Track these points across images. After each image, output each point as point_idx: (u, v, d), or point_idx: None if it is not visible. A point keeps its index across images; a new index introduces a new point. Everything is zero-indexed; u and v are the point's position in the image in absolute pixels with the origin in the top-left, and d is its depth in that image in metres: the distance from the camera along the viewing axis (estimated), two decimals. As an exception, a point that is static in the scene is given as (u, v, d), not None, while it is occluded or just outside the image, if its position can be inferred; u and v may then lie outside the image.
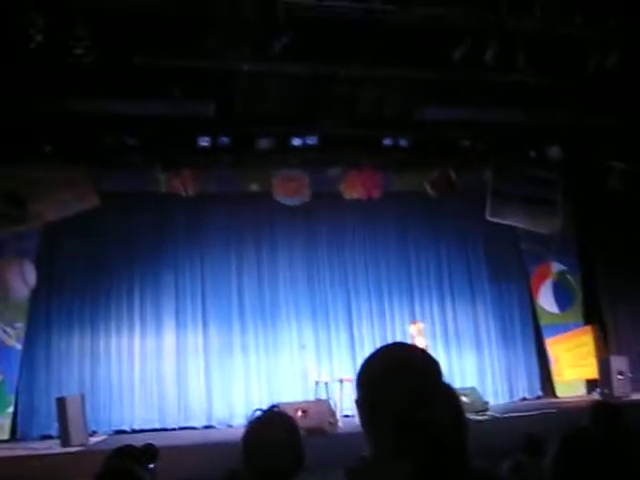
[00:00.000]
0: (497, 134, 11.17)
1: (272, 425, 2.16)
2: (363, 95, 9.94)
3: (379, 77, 9.51)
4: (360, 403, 1.38)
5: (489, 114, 10.37)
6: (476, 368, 12.43)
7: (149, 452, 3.82)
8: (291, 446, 2.13)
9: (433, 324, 12.46)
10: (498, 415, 9.89)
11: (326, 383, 10.53)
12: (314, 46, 8.40)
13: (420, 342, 10.23)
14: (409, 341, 10.13)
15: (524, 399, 12.36)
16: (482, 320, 12.67)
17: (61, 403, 9.64)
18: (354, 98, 9.91)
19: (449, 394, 1.33)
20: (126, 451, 3.76)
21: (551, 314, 12.69)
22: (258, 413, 2.19)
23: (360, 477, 1.30)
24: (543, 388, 12.59)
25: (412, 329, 10.62)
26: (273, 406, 2.24)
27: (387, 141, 11.00)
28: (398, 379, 1.32)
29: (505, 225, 12.42)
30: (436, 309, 12.59)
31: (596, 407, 3.59)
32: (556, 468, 1.79)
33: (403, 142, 11.06)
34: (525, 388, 12.51)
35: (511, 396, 12.34)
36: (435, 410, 1.27)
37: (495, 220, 12.27)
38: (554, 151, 11.40)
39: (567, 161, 11.81)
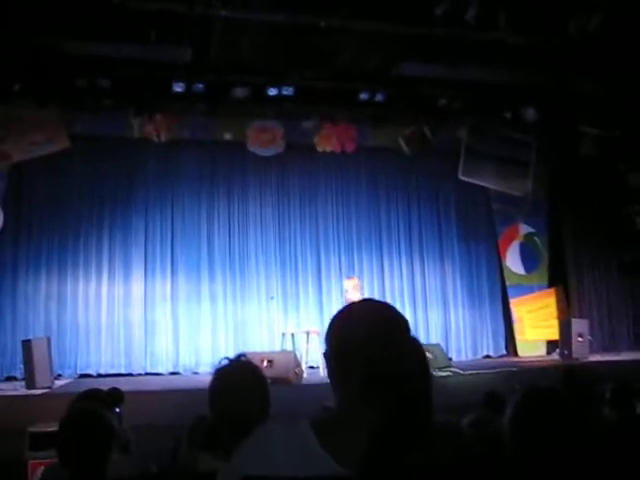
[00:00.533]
0: (474, 93, 11.14)
1: (239, 373, 2.19)
2: (342, 48, 9.82)
3: (359, 30, 9.37)
4: (328, 355, 1.40)
5: (467, 72, 10.30)
6: (442, 325, 12.63)
7: (115, 396, 3.85)
8: (257, 394, 2.16)
9: (401, 280, 12.61)
10: (461, 372, 10.08)
11: (292, 335, 10.64)
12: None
13: (355, 297, 10.31)
14: (343, 296, 10.32)
15: (487, 357, 12.62)
16: (450, 278, 12.83)
17: (27, 345, 9.61)
18: (333, 50, 9.78)
19: (416, 348, 1.35)
20: (92, 394, 3.78)
21: (517, 275, 12.87)
22: (225, 362, 2.22)
23: (325, 427, 1.33)
24: (507, 347, 12.85)
25: (347, 284, 10.45)
26: (240, 355, 2.26)
27: (363, 95, 10.94)
28: (366, 332, 1.34)
29: (477, 185, 12.51)
30: (405, 265, 12.71)
31: (557, 368, 3.71)
32: (514, 423, 1.84)
33: (380, 97, 11.01)
34: (490, 346, 12.75)
35: (475, 354, 12.59)
36: (402, 363, 1.29)
37: (467, 180, 12.35)
38: (530, 113, 11.43)
39: (542, 124, 11.86)
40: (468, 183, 12.42)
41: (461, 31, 9.05)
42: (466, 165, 12.27)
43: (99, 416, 2.71)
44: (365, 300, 1.51)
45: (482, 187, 12.59)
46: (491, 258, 13.03)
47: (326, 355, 1.40)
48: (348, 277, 10.77)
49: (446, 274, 12.83)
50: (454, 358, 11.65)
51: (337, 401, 1.36)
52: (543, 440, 1.74)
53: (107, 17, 8.47)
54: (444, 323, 12.63)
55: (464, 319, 12.73)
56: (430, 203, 12.89)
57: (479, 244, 13.02)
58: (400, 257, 12.68)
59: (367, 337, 1.33)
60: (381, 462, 1.20)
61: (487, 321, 12.84)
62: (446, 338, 12.38)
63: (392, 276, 12.59)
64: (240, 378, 2.16)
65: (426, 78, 10.55)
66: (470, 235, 12.95)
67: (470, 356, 12.52)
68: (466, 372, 10.10)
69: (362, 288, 10.54)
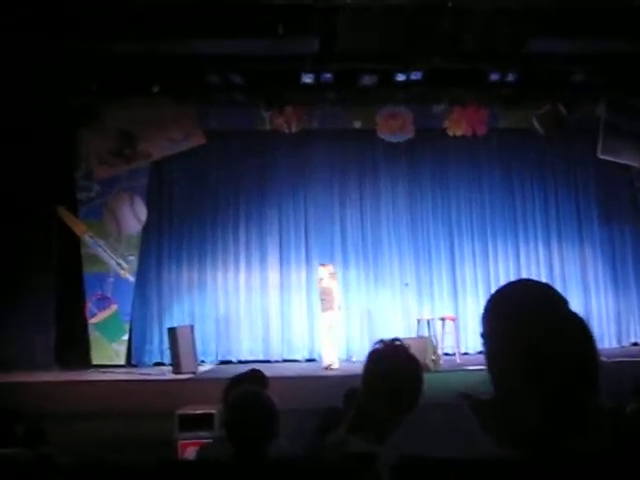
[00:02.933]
0: (612, 66, 10.55)
1: (394, 356, 2.19)
2: (470, 28, 9.58)
3: (487, 9, 9.11)
4: (487, 337, 1.37)
5: (603, 45, 9.77)
6: (582, 312, 12.01)
7: (262, 380, 3.96)
8: (411, 378, 2.16)
9: (538, 266, 12.16)
10: (605, 359, 9.63)
11: (428, 321, 10.55)
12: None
13: (332, 285, 10.08)
14: (318, 284, 10.16)
15: (635, 344, 11.96)
16: (590, 264, 12.21)
17: (173, 333, 10.12)
18: (461, 31, 9.57)
19: (579, 326, 1.31)
20: (251, 377, 3.90)
21: (667, 257, 12.11)
22: (380, 345, 2.23)
23: (486, 409, 1.30)
24: (657, 333, 12.11)
25: (322, 272, 10.22)
26: (394, 339, 2.27)
27: (494, 76, 10.62)
28: (529, 313, 1.31)
29: (618, 163, 11.88)
30: (541, 251, 12.22)
31: None
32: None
33: (511, 77, 10.65)
34: (638, 333, 12.05)
35: (619, 341, 11.96)
36: (565, 341, 1.26)
37: (607, 158, 11.77)
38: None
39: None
40: (608, 162, 11.83)
41: (596, 0, 8.62)
42: (605, 143, 11.69)
43: (266, 399, 2.80)
44: (523, 280, 1.48)
45: (623, 165, 11.94)
46: (636, 241, 12.30)
47: (484, 335, 1.37)
48: (322, 264, 10.55)
49: (586, 259, 12.23)
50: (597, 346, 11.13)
51: (496, 383, 1.33)
52: None
53: (236, 14, 8.72)
54: (585, 309, 12.06)
55: (607, 305, 12.11)
56: (567, 185, 12.31)
57: (622, 226, 12.30)
58: (537, 242, 12.21)
59: (530, 318, 1.29)
60: (548, 444, 1.16)
61: (634, 307, 12.12)
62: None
63: (528, 262, 12.17)
64: (395, 361, 2.16)
65: (559, 54, 10.10)
66: (612, 217, 12.26)
67: (615, 344, 11.91)
68: (611, 359, 9.63)
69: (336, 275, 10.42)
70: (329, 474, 2.13)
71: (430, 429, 1.31)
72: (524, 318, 1.30)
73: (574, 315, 1.33)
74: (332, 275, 10.20)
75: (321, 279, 10.20)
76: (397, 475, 1.27)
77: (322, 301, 10.08)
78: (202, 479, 2.37)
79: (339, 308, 10.25)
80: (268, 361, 11.32)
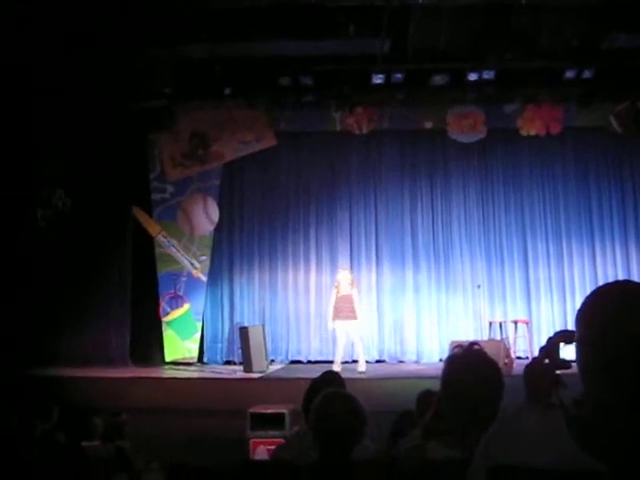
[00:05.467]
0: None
1: (473, 362, 2.16)
2: (543, 24, 9.36)
3: (561, 4, 8.89)
4: (586, 345, 1.29)
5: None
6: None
7: (341, 382, 3.96)
8: (490, 384, 2.12)
9: (615, 268, 11.78)
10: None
11: (500, 324, 10.38)
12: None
13: (351, 292, 9.88)
14: (342, 289, 9.87)
15: None
16: (670, 265, 11.79)
17: (244, 332, 10.26)
18: (533, 28, 9.37)
19: None
20: (332, 378, 3.91)
21: None
22: (458, 350, 2.20)
23: (581, 420, 1.25)
24: None
25: (345, 276, 10.04)
26: (473, 343, 2.23)
27: (569, 73, 10.32)
28: (637, 321, 1.22)
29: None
30: (618, 253, 11.83)
31: None
32: None
33: (587, 73, 10.33)
34: None
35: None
36: None
37: (690, 157, 11.33)
38: None
39: None
40: (691, 161, 11.40)
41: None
42: (688, 142, 11.26)
43: (354, 401, 2.80)
44: (623, 282, 1.37)
45: None
46: None
47: (580, 340, 1.31)
48: (344, 268, 10.52)
49: (666, 260, 11.81)
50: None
51: (592, 392, 1.27)
52: None
53: (307, 16, 8.77)
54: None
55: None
56: (647, 185, 11.91)
57: None
58: (613, 244, 11.81)
59: (621, 324, 1.22)
60: None
61: None
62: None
63: (605, 264, 11.79)
64: (476, 368, 2.13)
65: (638, 49, 9.78)
66: (693, 218, 11.81)
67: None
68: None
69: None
70: (416, 479, 2.11)
71: (522, 438, 1.27)
72: (616, 327, 1.23)
73: None
74: (352, 282, 10.15)
75: (339, 284, 10.09)
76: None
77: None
78: (282, 478, 2.39)
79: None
80: (338, 361, 11.34)
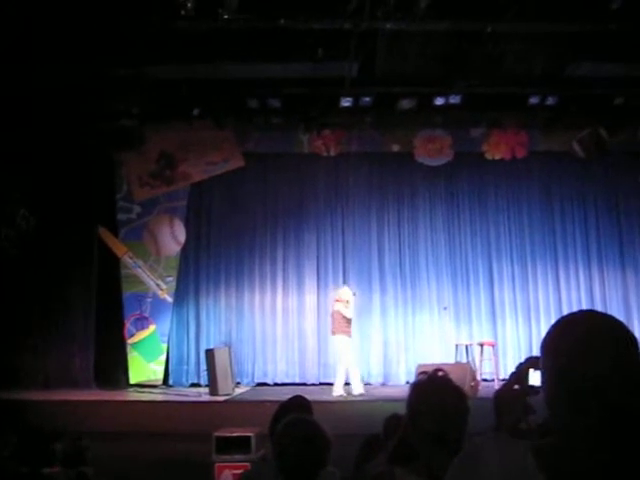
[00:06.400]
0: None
1: (438, 389, 2.17)
2: (509, 52, 9.54)
3: (526, 33, 9.06)
4: (551, 374, 1.29)
5: (646, 70, 9.66)
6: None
7: (308, 407, 3.93)
8: (456, 411, 2.13)
9: (578, 291, 11.97)
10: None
11: (466, 346, 10.44)
12: (458, 2, 8.17)
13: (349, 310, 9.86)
14: (344, 307, 9.83)
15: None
16: (633, 289, 11.96)
17: (210, 354, 10.17)
18: (499, 55, 9.53)
19: None
20: (298, 404, 3.86)
21: None
22: (423, 377, 2.20)
23: (546, 451, 1.23)
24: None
25: (348, 293, 10.03)
26: (437, 370, 2.24)
27: (533, 99, 10.53)
28: (602, 354, 1.22)
29: (661, 188, 11.71)
30: (582, 275, 12.03)
31: None
32: None
33: (551, 100, 10.55)
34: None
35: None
36: (627, 396, 1.17)
37: (650, 183, 11.59)
38: None
39: None
40: (651, 186, 11.66)
41: (637, 24, 8.50)
42: (648, 167, 11.52)
43: (319, 428, 2.76)
44: (590, 311, 1.36)
45: (667, 190, 11.76)
46: (680, 267, 12.05)
47: (543, 370, 1.30)
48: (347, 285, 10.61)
49: (628, 284, 11.99)
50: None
51: (556, 420, 1.27)
52: None
53: (276, 39, 8.81)
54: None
55: (649, 332, 11.83)
56: (609, 209, 12.13)
57: (666, 251, 12.08)
58: (577, 267, 12.02)
59: (604, 361, 1.20)
60: None
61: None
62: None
63: (568, 287, 11.97)
64: (441, 395, 2.13)
65: (601, 77, 10.00)
66: (656, 242, 12.05)
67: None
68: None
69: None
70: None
71: (489, 468, 1.26)
72: (596, 360, 1.21)
73: (636, 360, 1.23)
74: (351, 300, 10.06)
75: (346, 301, 10.00)
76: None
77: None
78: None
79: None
80: (304, 384, 11.30)
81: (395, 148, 11.69)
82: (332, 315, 9.99)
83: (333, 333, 9.91)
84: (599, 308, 11.85)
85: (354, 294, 10.20)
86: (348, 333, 9.83)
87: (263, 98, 10.40)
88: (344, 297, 9.96)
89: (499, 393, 1.48)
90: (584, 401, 1.19)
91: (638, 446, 1.12)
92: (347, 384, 10.01)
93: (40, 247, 10.89)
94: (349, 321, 9.81)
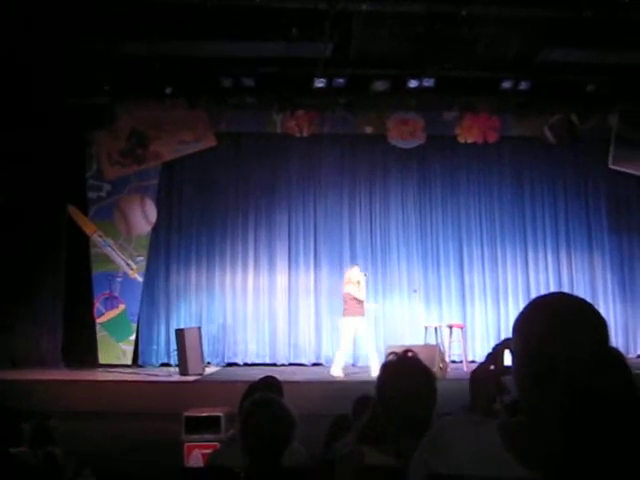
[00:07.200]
0: (625, 77, 10.53)
1: (407, 369, 2.19)
2: (483, 36, 9.56)
3: (500, 17, 9.10)
4: (521, 355, 1.31)
5: (618, 56, 9.75)
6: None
7: (278, 387, 3.94)
8: (425, 391, 2.15)
9: (546, 274, 12.14)
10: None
11: (436, 328, 10.53)
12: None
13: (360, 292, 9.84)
14: (355, 288, 9.79)
15: (640, 356, 11.92)
16: (599, 272, 12.19)
17: (180, 334, 10.14)
18: (473, 39, 9.55)
19: (621, 360, 1.23)
20: (268, 384, 3.88)
21: (675, 268, 12.07)
22: (393, 357, 2.23)
23: (512, 429, 1.26)
24: (664, 346, 12.06)
25: (358, 274, 9.93)
26: (407, 350, 2.27)
27: (506, 84, 10.59)
28: (571, 336, 1.24)
29: (629, 174, 11.88)
30: (550, 259, 12.20)
31: None
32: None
33: (523, 85, 10.62)
34: (645, 344, 12.03)
35: (627, 352, 11.90)
36: (610, 378, 1.18)
37: (618, 168, 11.77)
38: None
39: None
40: (619, 172, 11.85)
41: (612, 12, 8.58)
42: (617, 153, 11.69)
43: (283, 407, 2.79)
44: (563, 294, 1.38)
45: (634, 176, 11.93)
46: (646, 251, 12.27)
47: (514, 351, 1.33)
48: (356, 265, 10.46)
49: (595, 268, 12.21)
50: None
51: (524, 401, 1.30)
52: None
53: (250, 17, 8.73)
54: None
55: (615, 315, 12.04)
56: (578, 193, 12.30)
57: (632, 236, 12.27)
58: (546, 250, 12.19)
59: (576, 343, 1.23)
60: (578, 471, 1.12)
61: (642, 318, 12.11)
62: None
63: (537, 270, 12.14)
64: (409, 375, 2.16)
65: (573, 64, 10.08)
66: (622, 227, 12.23)
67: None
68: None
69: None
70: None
71: (457, 446, 1.29)
72: (568, 343, 1.24)
73: (611, 345, 1.27)
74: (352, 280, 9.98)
75: (358, 282, 9.91)
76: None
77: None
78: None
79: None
80: (274, 364, 11.33)
81: (368, 130, 11.69)
82: (343, 297, 9.94)
83: (344, 315, 9.86)
84: (566, 290, 11.93)
85: (365, 275, 10.15)
86: (362, 313, 9.78)
87: (237, 77, 10.33)
88: (354, 278, 9.92)
89: (474, 373, 1.51)
90: (551, 381, 1.22)
91: (601, 426, 1.15)
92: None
93: (9, 226, 10.73)
94: (361, 302, 9.79)
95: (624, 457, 1.12)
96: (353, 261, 11.64)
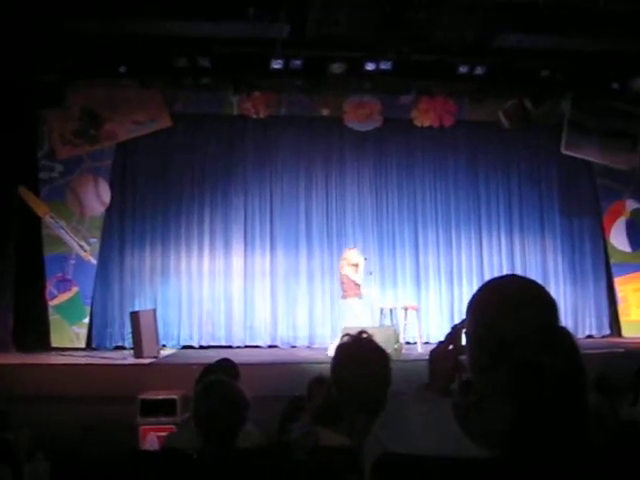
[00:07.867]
0: (578, 64, 10.70)
1: (362, 351, 2.21)
2: (439, 20, 9.60)
3: (457, 1, 9.15)
4: (473, 335, 1.35)
5: (571, 42, 9.90)
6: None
7: (234, 369, 3.95)
8: (380, 371, 2.18)
9: (500, 256, 12.37)
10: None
11: (391, 310, 10.63)
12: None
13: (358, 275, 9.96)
14: (353, 271, 9.95)
15: (589, 337, 12.23)
16: (551, 255, 12.48)
17: (135, 316, 10.04)
18: (430, 22, 9.59)
19: (570, 339, 1.28)
20: (222, 367, 3.89)
21: (622, 253, 12.36)
22: (347, 338, 2.24)
23: (466, 408, 1.30)
24: (611, 327, 12.40)
25: (357, 257, 10.03)
26: (361, 332, 2.28)
27: (462, 68, 10.65)
28: (522, 316, 1.28)
29: (581, 159, 12.11)
30: (504, 242, 12.43)
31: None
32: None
33: (479, 70, 10.69)
34: (593, 326, 12.34)
35: (576, 333, 12.17)
36: (558, 356, 1.22)
37: (570, 154, 11.98)
38: (638, 83, 10.89)
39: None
40: (571, 157, 12.04)
41: (566, -1, 8.70)
42: (569, 139, 11.88)
43: (236, 389, 2.80)
44: (514, 276, 1.44)
45: (586, 161, 12.18)
46: (595, 235, 12.56)
47: (467, 333, 1.36)
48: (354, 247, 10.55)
49: (547, 251, 12.48)
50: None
51: (476, 380, 1.34)
52: None
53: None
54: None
55: (565, 297, 12.34)
56: (531, 178, 12.52)
57: (582, 220, 12.57)
58: (499, 233, 12.42)
59: (523, 323, 1.27)
60: (527, 447, 1.16)
61: (590, 300, 12.42)
62: (546, 316, 12.03)
63: (490, 252, 12.36)
64: (364, 356, 2.18)
65: (528, 49, 10.20)
66: (573, 211, 12.52)
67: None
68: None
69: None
70: (302, 467, 2.14)
71: (411, 425, 1.31)
72: (516, 322, 1.28)
73: (560, 324, 1.31)
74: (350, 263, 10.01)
75: (356, 264, 9.98)
76: (379, 471, 1.29)
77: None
78: (172, 470, 2.37)
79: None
80: (230, 347, 11.32)
81: (325, 112, 11.67)
82: (340, 279, 9.94)
83: (344, 297, 9.86)
84: (519, 272, 12.13)
85: (365, 259, 10.18)
86: (359, 295, 9.85)
87: (192, 57, 10.17)
88: (352, 260, 9.94)
89: (434, 353, 1.55)
90: (502, 361, 1.25)
91: (549, 404, 1.19)
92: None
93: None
94: (358, 285, 9.81)
95: (572, 433, 1.15)
96: (310, 244, 11.68)
